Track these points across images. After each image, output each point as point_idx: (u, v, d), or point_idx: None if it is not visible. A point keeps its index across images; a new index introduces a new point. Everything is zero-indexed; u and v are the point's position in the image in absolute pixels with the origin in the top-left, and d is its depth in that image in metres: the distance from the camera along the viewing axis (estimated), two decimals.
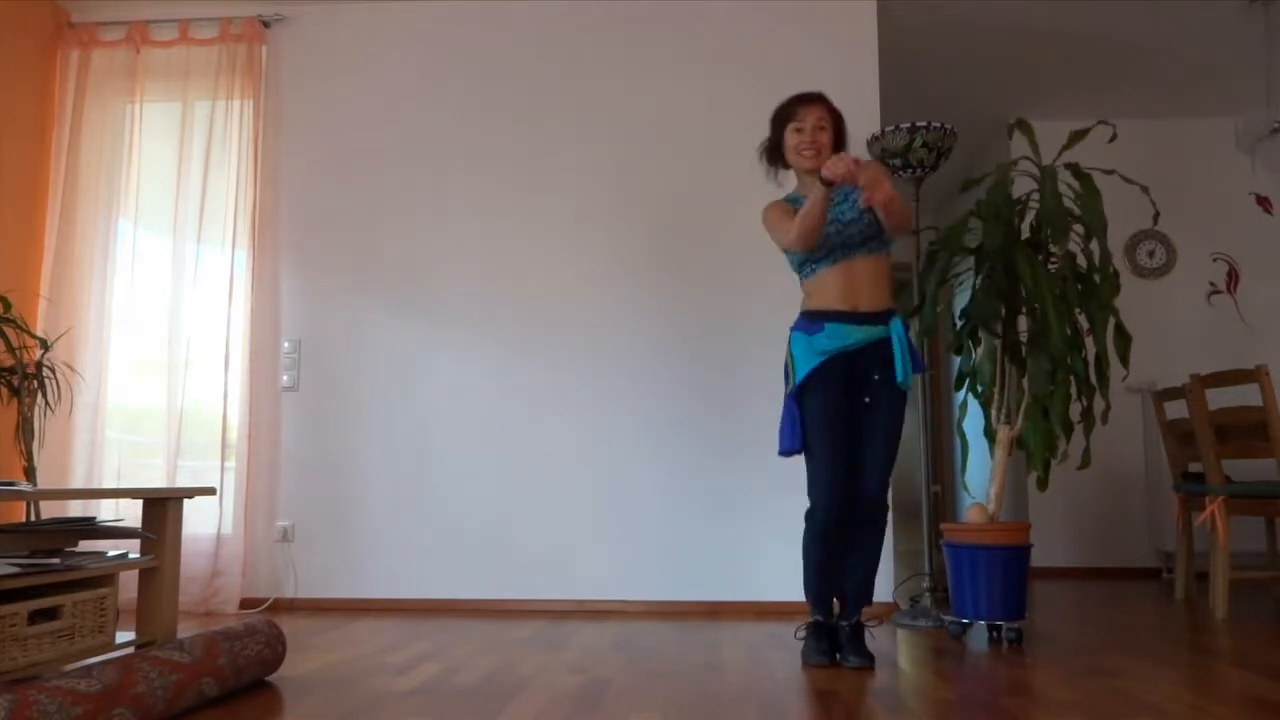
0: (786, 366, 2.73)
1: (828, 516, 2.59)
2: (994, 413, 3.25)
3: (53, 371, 3.41)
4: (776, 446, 3.68)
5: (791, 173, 2.85)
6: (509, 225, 3.98)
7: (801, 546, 2.67)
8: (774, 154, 2.82)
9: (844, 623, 2.66)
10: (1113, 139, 3.88)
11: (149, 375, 3.99)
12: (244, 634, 2.26)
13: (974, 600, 2.98)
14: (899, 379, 2.64)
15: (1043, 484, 3.23)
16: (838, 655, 2.62)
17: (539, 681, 2.35)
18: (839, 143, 2.77)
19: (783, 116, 2.76)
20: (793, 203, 2.79)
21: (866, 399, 2.66)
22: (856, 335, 2.63)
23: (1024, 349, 3.25)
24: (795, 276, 2.81)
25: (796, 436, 2.66)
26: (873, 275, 2.67)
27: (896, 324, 2.66)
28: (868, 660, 2.56)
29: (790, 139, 2.74)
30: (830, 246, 2.67)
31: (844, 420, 2.63)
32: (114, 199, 4.05)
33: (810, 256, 2.70)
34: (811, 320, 2.68)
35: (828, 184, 2.47)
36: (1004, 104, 5.23)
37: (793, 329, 2.73)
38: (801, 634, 2.69)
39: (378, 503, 3.87)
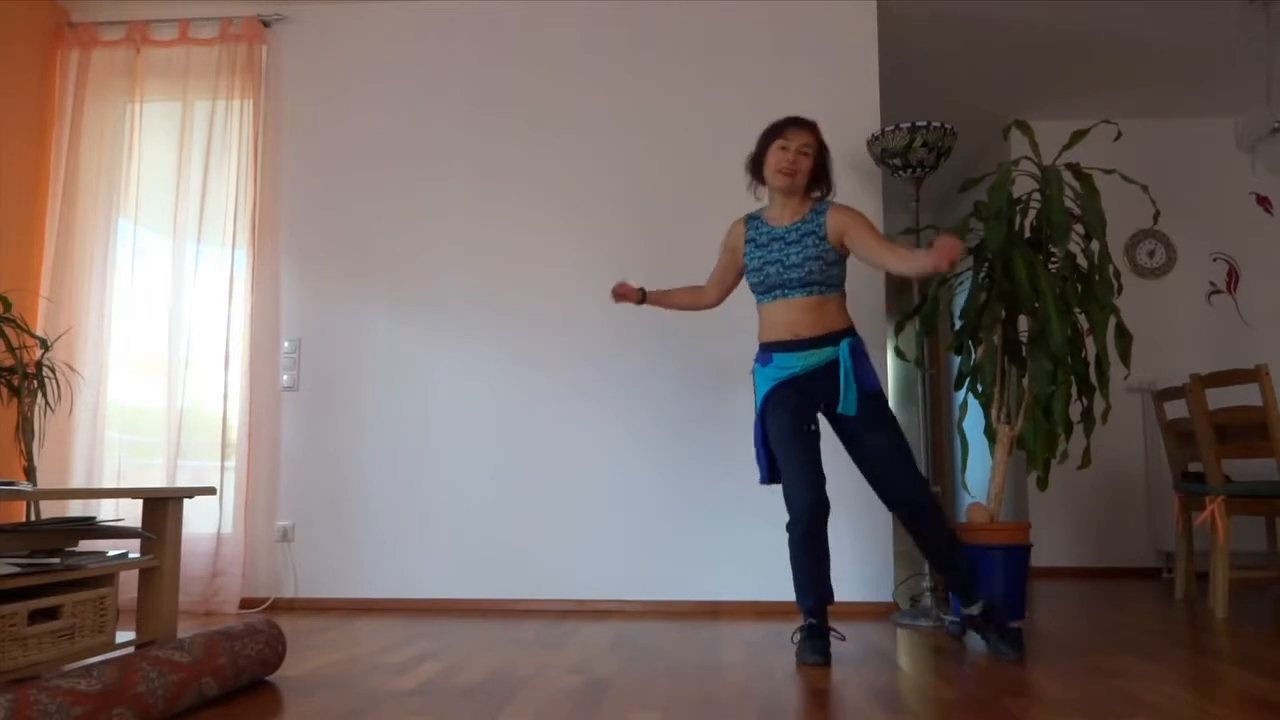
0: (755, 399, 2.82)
1: (807, 520, 2.59)
2: (994, 413, 3.25)
3: (53, 371, 3.41)
4: None
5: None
6: (509, 225, 3.98)
7: (789, 557, 2.69)
8: (756, 167, 2.85)
9: (971, 614, 2.69)
10: (1118, 138, 3.89)
11: (149, 375, 3.99)
12: (244, 634, 2.26)
13: None
14: (839, 408, 2.66)
15: (1043, 484, 3.23)
16: (984, 642, 2.69)
17: (539, 681, 2.35)
18: (818, 176, 2.80)
19: (772, 132, 2.80)
20: (752, 221, 2.86)
21: (843, 421, 2.70)
22: (802, 362, 2.69)
23: (1024, 349, 3.25)
24: None
25: (765, 464, 2.74)
26: (815, 309, 2.71)
27: (844, 346, 2.68)
28: (1017, 649, 2.59)
29: (772, 155, 2.77)
30: (770, 285, 2.75)
31: (809, 429, 2.67)
32: (114, 199, 4.04)
33: (756, 288, 2.81)
34: (763, 352, 2.79)
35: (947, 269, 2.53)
36: (1004, 104, 5.23)
37: (754, 361, 2.83)
38: (797, 637, 2.70)
39: (378, 503, 3.87)
